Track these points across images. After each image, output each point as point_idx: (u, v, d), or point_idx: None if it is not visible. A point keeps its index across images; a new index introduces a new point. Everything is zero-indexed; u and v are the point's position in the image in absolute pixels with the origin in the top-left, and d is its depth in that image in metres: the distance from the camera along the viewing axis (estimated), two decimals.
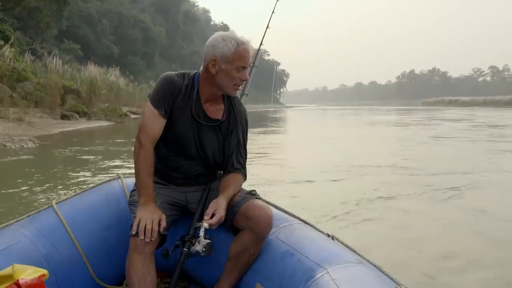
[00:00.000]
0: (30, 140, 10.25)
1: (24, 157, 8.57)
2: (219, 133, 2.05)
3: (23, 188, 5.69)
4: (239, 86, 1.99)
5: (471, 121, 27.28)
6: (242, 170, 2.09)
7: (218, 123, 2.04)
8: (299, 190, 6.24)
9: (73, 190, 5.60)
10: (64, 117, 16.74)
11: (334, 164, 8.54)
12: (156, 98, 1.97)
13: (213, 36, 1.96)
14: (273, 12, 2.87)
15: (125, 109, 22.99)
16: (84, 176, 6.78)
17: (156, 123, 1.96)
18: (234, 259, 1.95)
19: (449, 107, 71.42)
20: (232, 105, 2.09)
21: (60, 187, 5.87)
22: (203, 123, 2.01)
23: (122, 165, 8.03)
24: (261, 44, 2.67)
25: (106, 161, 8.31)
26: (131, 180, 2.29)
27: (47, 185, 5.95)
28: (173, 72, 2.04)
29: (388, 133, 18.60)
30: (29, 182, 6.07)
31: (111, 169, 7.48)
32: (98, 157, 8.74)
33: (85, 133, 14.52)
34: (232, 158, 2.07)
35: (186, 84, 2.00)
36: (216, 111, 2.05)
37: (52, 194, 5.43)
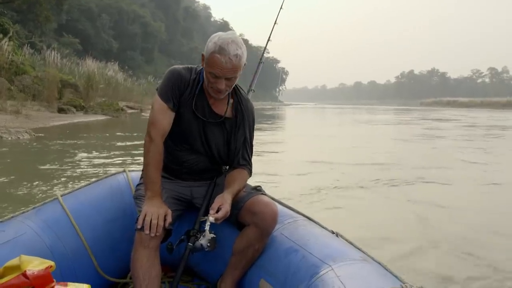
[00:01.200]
0: (26, 132, 10.38)
1: (19, 148, 8.70)
2: (224, 128, 2.05)
3: (16, 178, 5.76)
4: (218, 92, 1.91)
5: (460, 121, 27.85)
6: (247, 166, 2.09)
7: (223, 119, 2.03)
8: (272, 179, 6.55)
9: (73, 181, 5.68)
10: (61, 110, 16.78)
11: (312, 160, 8.84)
12: (164, 91, 1.97)
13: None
14: (281, 8, 2.84)
15: (122, 104, 23.03)
16: (77, 167, 6.85)
17: (165, 117, 1.96)
18: (238, 254, 1.95)
19: (447, 108, 71.88)
20: (239, 102, 2.07)
21: (54, 178, 5.91)
22: (204, 118, 2.01)
23: (111, 156, 8.19)
24: (268, 40, 2.66)
25: (98, 154, 8.42)
26: (136, 174, 2.30)
27: (40, 175, 6.02)
28: (181, 66, 2.03)
29: (377, 132, 19.16)
30: (23, 173, 6.19)
31: (104, 160, 7.64)
32: (90, 150, 8.85)
33: (81, 127, 14.61)
34: (238, 155, 2.07)
35: (193, 78, 2.00)
36: (222, 106, 2.04)
37: (45, 184, 5.49)
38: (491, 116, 36.63)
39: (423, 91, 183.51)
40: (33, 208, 2.03)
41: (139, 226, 1.82)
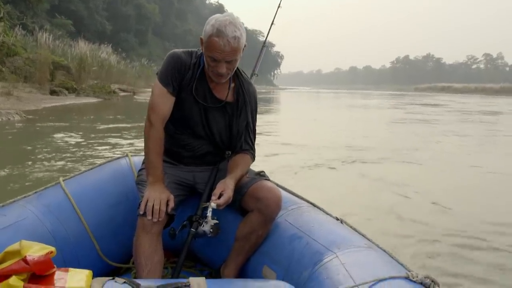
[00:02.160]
0: (17, 113, 10.43)
1: (9, 130, 8.73)
2: (226, 113, 2.03)
3: (7, 160, 5.86)
4: (219, 76, 1.88)
5: (447, 106, 28.34)
6: (250, 150, 2.07)
7: (224, 104, 2.00)
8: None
9: (65, 162, 5.75)
10: (53, 92, 16.76)
11: (297, 142, 9.12)
12: (164, 75, 1.93)
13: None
14: None
15: (115, 87, 22.96)
16: (67, 149, 6.92)
17: (165, 102, 1.93)
18: (241, 240, 1.95)
19: (441, 94, 72.34)
20: (241, 85, 2.04)
21: (45, 160, 5.97)
22: (205, 103, 1.98)
23: (100, 137, 8.25)
24: (272, 24, 2.61)
25: (88, 135, 8.48)
26: (138, 159, 2.28)
27: (30, 157, 6.08)
28: (181, 50, 2.00)
29: (361, 116, 19.60)
30: (14, 155, 6.33)
31: (93, 141, 7.76)
32: (80, 132, 8.93)
33: (72, 109, 14.68)
34: (241, 139, 2.05)
35: (193, 62, 1.97)
36: (223, 90, 2.00)
37: (36, 165, 5.57)
38: (481, 102, 37.01)
39: (418, 76, 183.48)
40: (35, 192, 2.01)
41: (141, 212, 1.81)
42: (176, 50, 2.01)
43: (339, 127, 13.34)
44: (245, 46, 1.85)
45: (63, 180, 2.08)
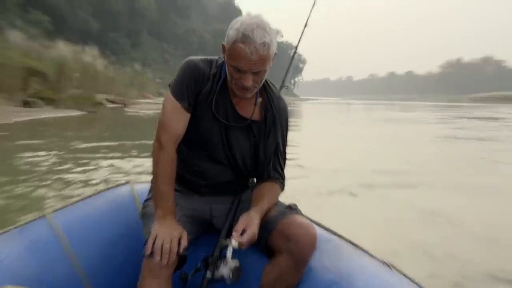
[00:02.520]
0: None
1: None
2: (251, 134, 2.02)
3: None
4: (245, 90, 1.87)
5: (508, 120, 28.37)
6: (280, 179, 2.08)
7: (249, 123, 2.01)
8: None
9: (43, 190, 5.78)
10: (26, 104, 16.95)
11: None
12: (178, 88, 1.94)
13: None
14: None
15: (102, 97, 23.19)
16: (46, 173, 7.01)
17: (179, 119, 1.94)
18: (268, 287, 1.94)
19: (503, 104, 71.37)
20: (270, 101, 2.04)
21: (19, 186, 6.04)
22: (226, 122, 1.99)
23: (84, 158, 8.33)
24: (305, 26, 2.63)
25: (66, 156, 8.62)
26: (142, 187, 2.29)
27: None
28: (198, 58, 2.00)
29: (402, 133, 19.81)
30: None
31: (74, 163, 7.86)
32: (59, 152, 9.06)
33: (49, 123, 14.82)
34: (269, 166, 2.06)
35: (213, 73, 1.98)
36: (249, 106, 2.01)
37: (11, 194, 5.63)
38: None
39: (474, 83, 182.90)
40: (16, 227, 2.03)
41: (148, 252, 1.79)
42: (193, 57, 2.00)
43: (374, 147, 13.51)
44: (275, 54, 1.84)
45: (53, 212, 2.10)
